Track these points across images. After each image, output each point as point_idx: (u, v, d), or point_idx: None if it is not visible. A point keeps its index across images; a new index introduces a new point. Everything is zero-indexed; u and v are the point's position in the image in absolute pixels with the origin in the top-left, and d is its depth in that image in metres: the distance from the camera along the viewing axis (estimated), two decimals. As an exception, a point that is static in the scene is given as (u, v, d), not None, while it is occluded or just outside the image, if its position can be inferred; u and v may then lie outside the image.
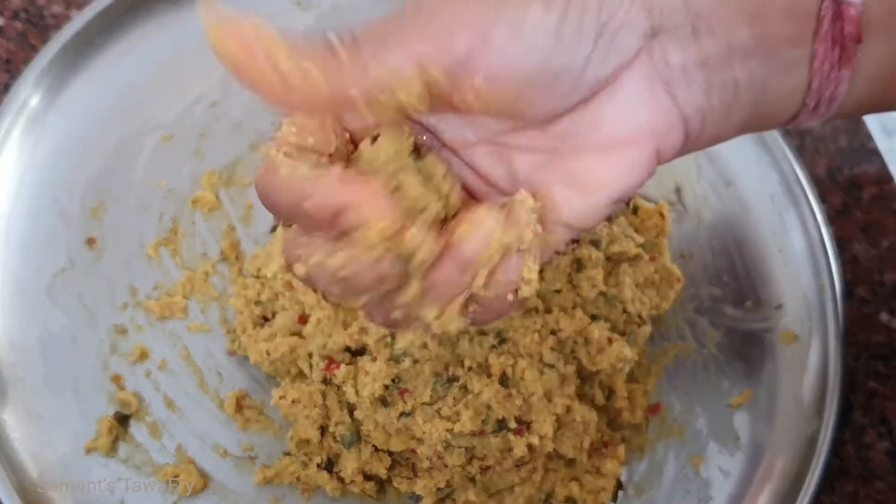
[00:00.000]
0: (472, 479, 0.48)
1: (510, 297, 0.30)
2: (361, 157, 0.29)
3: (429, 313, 0.29)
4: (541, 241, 0.30)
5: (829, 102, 0.31)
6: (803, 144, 0.59)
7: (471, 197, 0.32)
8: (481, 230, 0.28)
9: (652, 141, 0.30)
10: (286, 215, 0.28)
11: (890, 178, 0.59)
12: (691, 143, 0.31)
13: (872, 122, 0.60)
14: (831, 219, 0.54)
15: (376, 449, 0.47)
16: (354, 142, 0.30)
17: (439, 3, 0.27)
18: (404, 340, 0.30)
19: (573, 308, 0.47)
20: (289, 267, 0.29)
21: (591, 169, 0.30)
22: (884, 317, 0.56)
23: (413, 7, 0.27)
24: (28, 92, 0.52)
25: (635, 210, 0.52)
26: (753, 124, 0.32)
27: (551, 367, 0.46)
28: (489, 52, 0.27)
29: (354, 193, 0.27)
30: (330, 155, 0.28)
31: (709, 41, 0.29)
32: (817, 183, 0.55)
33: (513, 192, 0.30)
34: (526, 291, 0.30)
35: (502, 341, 0.46)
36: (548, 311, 0.47)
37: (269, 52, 0.27)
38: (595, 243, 0.48)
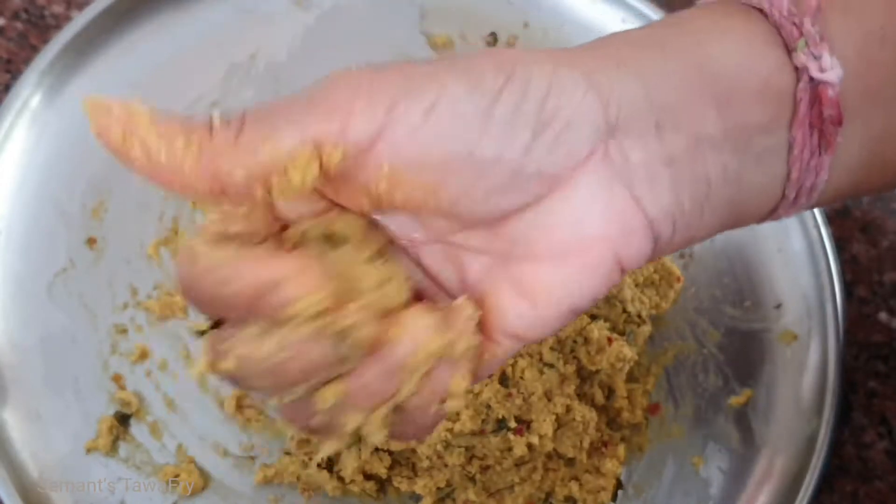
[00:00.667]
0: (472, 479, 0.48)
1: (433, 409, 0.27)
2: (288, 238, 0.27)
3: (350, 420, 0.26)
4: (478, 352, 0.27)
5: (809, 192, 0.29)
6: (803, 144, 0.59)
7: (418, 300, 0.28)
8: (411, 333, 0.25)
9: (609, 249, 0.27)
10: (209, 308, 0.25)
11: (889, 177, 0.59)
12: (661, 247, 0.28)
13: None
14: (831, 218, 0.54)
15: (376, 448, 0.47)
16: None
17: (340, 81, 0.25)
18: (327, 449, 0.27)
19: None
20: (212, 366, 0.26)
21: (542, 277, 0.27)
22: (883, 316, 0.56)
23: (312, 88, 0.25)
24: (29, 92, 0.52)
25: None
26: (729, 222, 0.29)
27: (551, 366, 0.46)
28: (396, 134, 0.24)
29: (280, 268, 0.24)
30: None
31: (674, 136, 0.27)
32: (817, 183, 0.55)
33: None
34: (452, 406, 0.27)
35: None
36: None
37: (136, 129, 0.25)
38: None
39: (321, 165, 0.24)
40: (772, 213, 0.30)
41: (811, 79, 0.27)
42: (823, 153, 0.28)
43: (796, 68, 0.28)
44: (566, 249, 0.27)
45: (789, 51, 0.28)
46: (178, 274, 0.26)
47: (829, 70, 0.27)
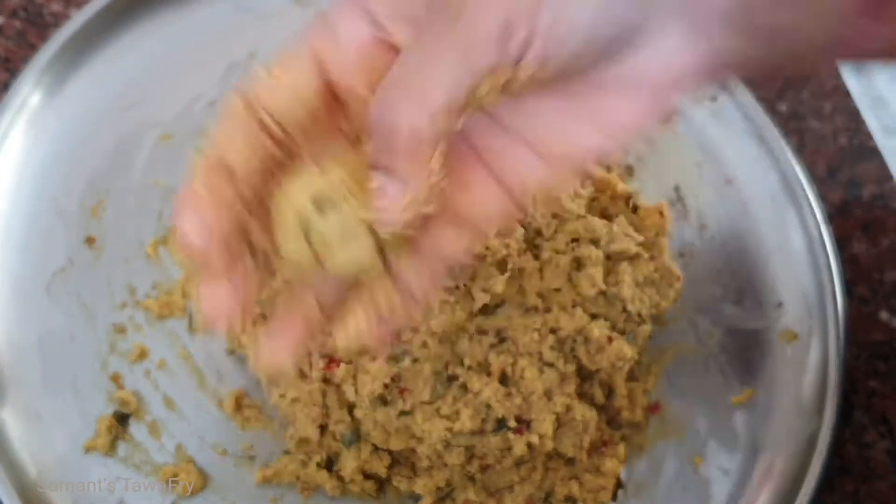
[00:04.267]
0: (472, 478, 0.48)
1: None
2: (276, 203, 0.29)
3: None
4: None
5: (853, 52, 0.31)
6: (803, 143, 0.59)
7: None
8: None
9: (687, 83, 0.30)
10: None
11: (890, 176, 0.59)
12: (723, 79, 0.32)
13: (872, 121, 0.60)
14: (831, 217, 0.54)
15: (376, 448, 0.47)
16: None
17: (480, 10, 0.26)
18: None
19: (573, 307, 0.47)
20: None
21: (612, 108, 0.30)
22: (884, 315, 0.56)
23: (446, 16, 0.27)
24: (27, 91, 0.52)
25: (635, 209, 0.52)
26: (785, 66, 0.32)
27: (551, 365, 0.46)
28: (538, 43, 0.27)
29: None
30: None
31: None
32: (817, 181, 0.55)
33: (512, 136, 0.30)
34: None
35: (502, 340, 0.46)
36: (547, 309, 0.47)
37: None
38: (595, 242, 0.48)
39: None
40: (817, 63, 0.33)
41: None
42: (873, 18, 0.29)
43: None
44: (640, 82, 0.29)
45: None
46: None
47: None
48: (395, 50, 0.29)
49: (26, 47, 0.55)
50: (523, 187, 0.31)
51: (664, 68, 0.29)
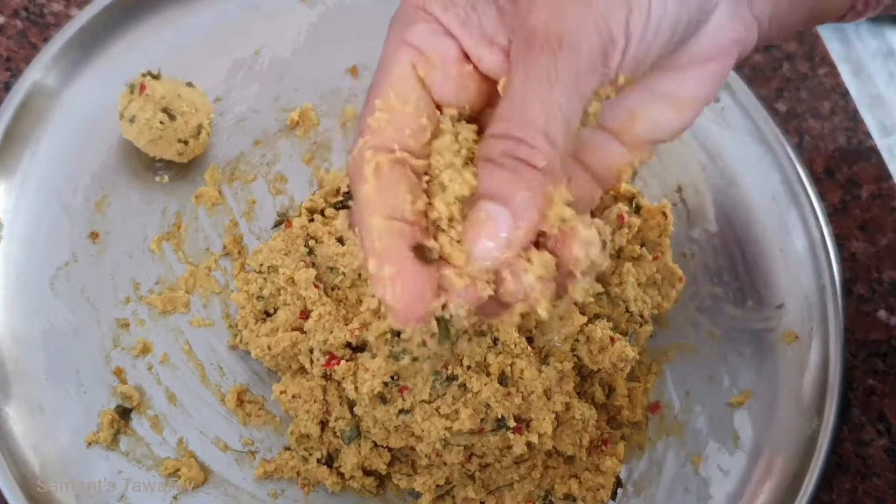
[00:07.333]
0: (472, 477, 0.48)
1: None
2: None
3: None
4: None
5: (876, 5, 0.33)
6: (802, 143, 0.59)
7: None
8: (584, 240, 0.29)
9: (736, 51, 0.32)
10: None
11: (888, 175, 0.59)
12: (759, 42, 0.33)
13: (871, 120, 0.61)
14: (830, 216, 0.55)
15: (376, 445, 0.47)
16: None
17: (582, 32, 0.28)
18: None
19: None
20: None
21: (685, 85, 0.32)
22: (882, 314, 0.56)
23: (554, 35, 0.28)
24: (31, 88, 0.52)
25: (638, 209, 0.52)
26: (807, 23, 0.35)
27: (548, 363, 0.46)
28: (631, 49, 0.28)
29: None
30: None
31: None
32: (816, 181, 0.56)
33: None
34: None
35: (496, 340, 0.46)
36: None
37: None
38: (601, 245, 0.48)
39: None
40: (841, 19, 0.35)
41: None
42: None
43: None
44: (707, 57, 0.32)
45: None
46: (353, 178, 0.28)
47: None
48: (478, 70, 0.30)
49: (27, 47, 0.56)
50: (610, 172, 0.33)
51: (716, 43, 0.31)
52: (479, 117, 0.31)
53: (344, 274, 0.48)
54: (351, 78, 0.56)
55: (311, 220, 0.51)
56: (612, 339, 0.47)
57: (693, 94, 0.32)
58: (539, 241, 0.29)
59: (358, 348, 0.46)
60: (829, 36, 0.66)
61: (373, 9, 0.56)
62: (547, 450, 0.47)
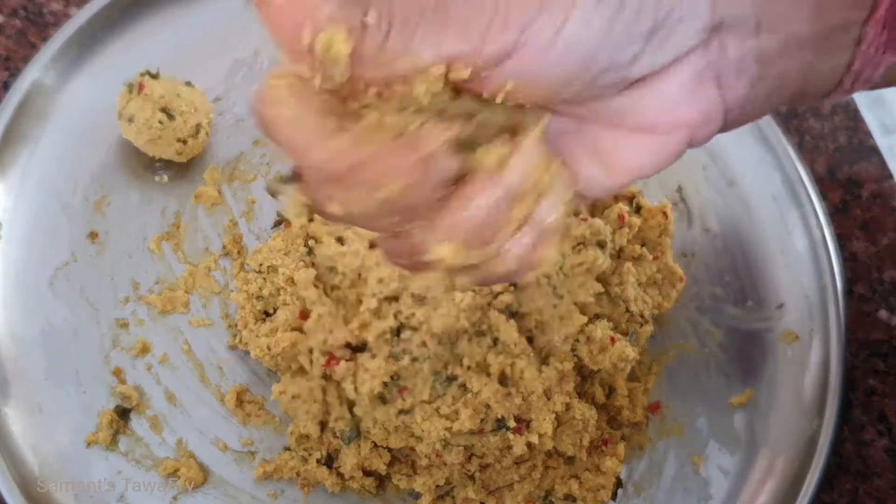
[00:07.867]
0: (472, 477, 0.48)
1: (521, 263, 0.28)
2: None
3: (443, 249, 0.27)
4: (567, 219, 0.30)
5: (864, 83, 0.31)
6: (802, 142, 0.59)
7: None
8: (527, 160, 0.27)
9: (689, 132, 0.29)
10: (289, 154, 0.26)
11: (889, 175, 0.59)
12: (724, 129, 0.31)
13: (872, 119, 0.60)
14: (830, 216, 0.54)
15: (376, 445, 0.47)
16: None
17: None
18: (421, 281, 0.27)
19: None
20: (319, 211, 0.27)
21: (621, 148, 0.30)
22: (883, 314, 0.56)
23: None
24: (30, 88, 0.52)
25: (638, 209, 0.52)
26: (786, 104, 0.32)
27: (546, 363, 0.46)
28: (526, 56, 0.25)
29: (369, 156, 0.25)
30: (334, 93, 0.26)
31: (770, 35, 0.28)
32: (817, 180, 0.55)
33: None
34: (540, 270, 0.28)
35: (496, 340, 0.46)
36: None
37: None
38: (601, 244, 0.48)
39: (446, 80, 0.25)
40: (824, 97, 0.32)
41: None
42: (888, 51, 0.29)
43: None
44: (652, 128, 0.29)
45: None
46: (256, 107, 0.26)
47: None
48: None
49: (26, 46, 0.56)
50: (591, 192, 0.30)
51: (661, 118, 0.29)
52: None
53: (344, 274, 0.48)
54: (350, 77, 0.56)
55: (311, 220, 0.51)
56: (612, 340, 0.47)
57: (628, 160, 0.30)
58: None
59: (358, 348, 0.46)
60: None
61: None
62: (547, 450, 0.47)
